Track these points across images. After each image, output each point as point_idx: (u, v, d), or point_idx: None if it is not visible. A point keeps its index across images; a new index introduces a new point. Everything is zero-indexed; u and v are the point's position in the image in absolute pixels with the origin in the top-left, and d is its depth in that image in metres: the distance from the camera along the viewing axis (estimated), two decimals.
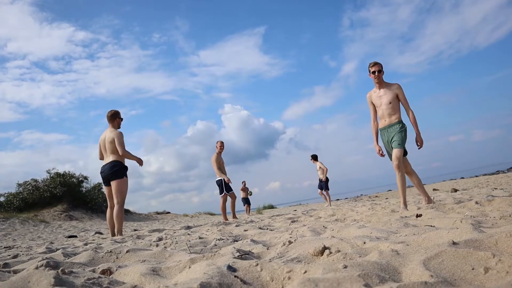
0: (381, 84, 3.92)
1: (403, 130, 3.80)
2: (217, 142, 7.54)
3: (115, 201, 4.66)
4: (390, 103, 3.84)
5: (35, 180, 16.28)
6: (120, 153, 4.63)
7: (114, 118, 4.85)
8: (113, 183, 4.63)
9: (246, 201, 14.00)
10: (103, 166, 4.72)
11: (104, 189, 4.87)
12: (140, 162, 4.91)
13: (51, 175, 16.58)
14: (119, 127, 4.89)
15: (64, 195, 15.26)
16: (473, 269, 0.95)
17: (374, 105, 4.01)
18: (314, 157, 10.79)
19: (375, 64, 3.91)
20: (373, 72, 3.90)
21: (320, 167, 10.63)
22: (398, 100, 3.87)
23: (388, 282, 0.88)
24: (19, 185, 15.96)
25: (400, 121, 3.86)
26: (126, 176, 4.76)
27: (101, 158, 4.86)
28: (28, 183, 15.94)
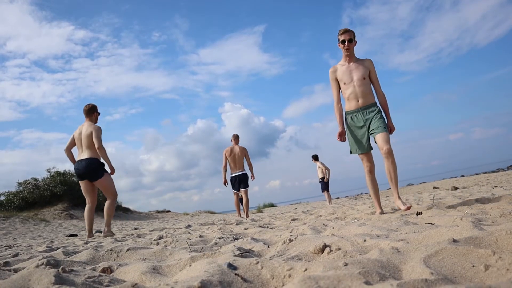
0: (352, 57, 3.27)
1: (383, 115, 3.27)
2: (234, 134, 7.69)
3: (107, 197, 4.70)
4: (364, 78, 3.20)
5: (36, 179, 16.29)
6: (96, 145, 4.49)
7: (92, 112, 4.75)
8: (97, 183, 4.60)
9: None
10: (79, 162, 4.56)
11: (80, 184, 4.67)
12: (112, 170, 4.72)
13: (52, 174, 16.60)
14: (96, 122, 4.79)
15: (65, 194, 15.27)
16: (473, 266, 0.95)
17: (338, 83, 3.33)
18: (315, 157, 10.79)
19: (346, 31, 3.21)
20: (343, 42, 3.21)
21: (319, 167, 10.64)
22: (369, 78, 3.28)
23: (388, 280, 0.88)
24: (19, 184, 15.98)
25: (376, 104, 3.30)
26: (106, 171, 4.69)
27: (68, 149, 4.71)
28: (28, 182, 15.95)
